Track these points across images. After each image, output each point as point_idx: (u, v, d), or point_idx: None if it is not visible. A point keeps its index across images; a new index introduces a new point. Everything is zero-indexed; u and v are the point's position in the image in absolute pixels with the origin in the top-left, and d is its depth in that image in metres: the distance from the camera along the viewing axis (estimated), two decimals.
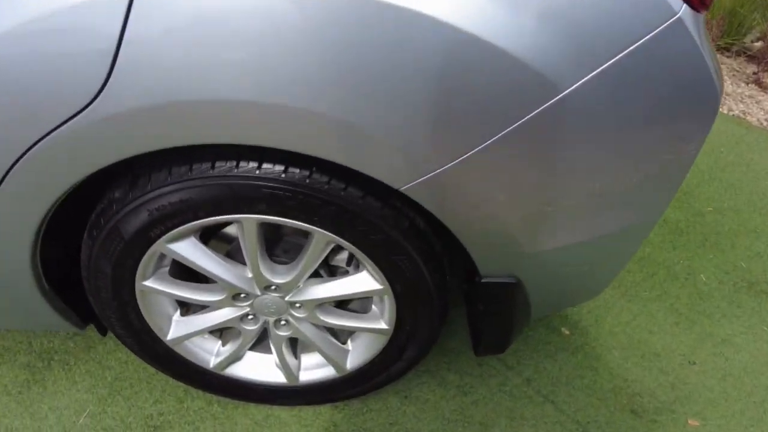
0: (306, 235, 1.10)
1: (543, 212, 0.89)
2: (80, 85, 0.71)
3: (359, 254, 0.96)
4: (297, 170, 0.85)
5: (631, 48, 0.73)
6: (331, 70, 0.70)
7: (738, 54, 3.95)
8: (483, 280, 0.99)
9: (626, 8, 0.72)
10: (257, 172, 0.84)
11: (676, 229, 2.00)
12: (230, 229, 1.13)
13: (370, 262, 0.98)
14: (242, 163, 0.84)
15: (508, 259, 0.96)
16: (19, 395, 1.42)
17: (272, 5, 0.67)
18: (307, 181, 0.85)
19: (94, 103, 0.72)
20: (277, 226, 1.07)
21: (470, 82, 0.71)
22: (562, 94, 0.74)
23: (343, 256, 1.12)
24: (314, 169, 0.85)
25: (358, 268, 1.08)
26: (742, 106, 3.07)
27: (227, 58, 0.69)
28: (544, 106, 0.75)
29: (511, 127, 0.76)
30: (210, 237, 1.11)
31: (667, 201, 0.96)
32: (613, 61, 0.73)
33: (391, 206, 0.91)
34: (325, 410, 1.36)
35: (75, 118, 0.74)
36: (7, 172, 0.80)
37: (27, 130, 0.76)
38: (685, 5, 0.74)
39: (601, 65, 0.73)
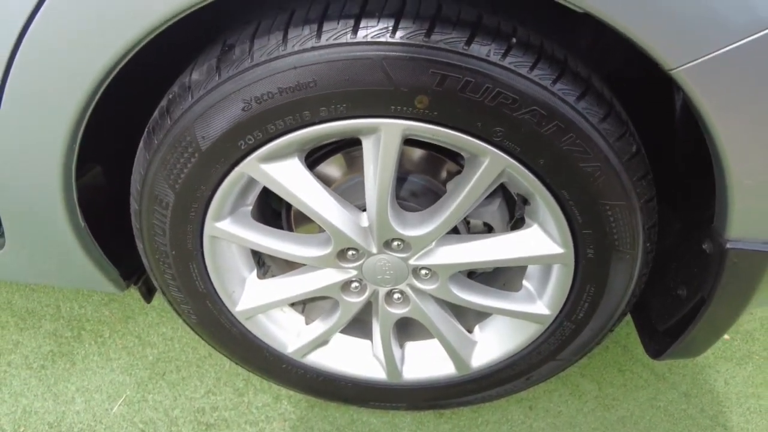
0: (441, 175, 0.77)
1: None
2: None
3: (545, 198, 0.63)
4: (488, 40, 0.52)
5: None
6: None
7: None
8: (730, 246, 0.65)
9: None
10: (426, 39, 0.51)
11: None
12: (331, 167, 0.81)
13: (557, 210, 0.64)
14: (403, 24, 0.51)
15: None
16: (42, 369, 1.14)
17: None
18: (503, 59, 0.52)
19: None
20: (403, 160, 0.75)
21: None
22: None
23: (494, 206, 0.78)
24: (515, 40, 0.52)
25: (517, 225, 0.75)
26: None
27: None
28: None
29: None
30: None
31: None
32: None
33: (617, 116, 0.57)
34: (427, 418, 1.04)
35: None
36: (29, 22, 0.50)
37: None
38: None
39: None
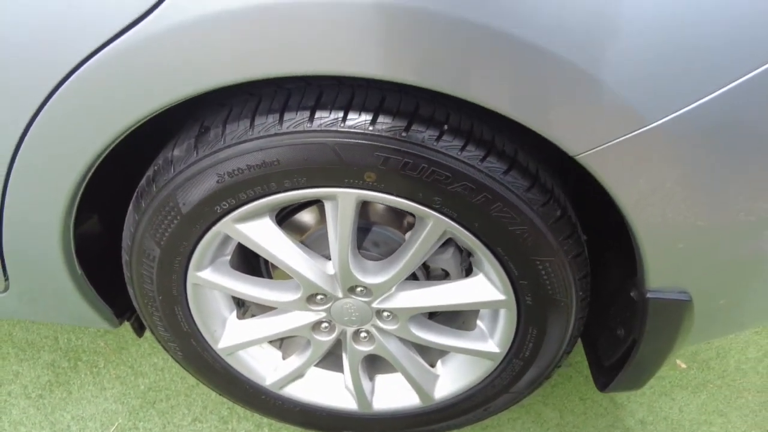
0: (402, 225, 0.86)
1: (753, 206, 0.63)
2: None
3: (484, 252, 0.72)
4: (423, 128, 0.61)
5: None
6: None
7: None
8: (650, 296, 0.73)
9: None
10: (370, 128, 0.61)
11: None
12: (304, 216, 0.90)
13: (496, 264, 0.73)
14: (351, 115, 0.61)
15: (689, 267, 0.70)
16: (40, 399, 1.22)
17: None
18: (437, 143, 0.62)
19: (159, 9, 0.50)
20: (364, 213, 0.84)
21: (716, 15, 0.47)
22: None
23: (448, 254, 0.87)
24: (446, 127, 0.62)
25: (469, 272, 0.84)
26: None
27: None
28: None
29: (747, 77, 0.51)
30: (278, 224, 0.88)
31: None
32: None
33: (542, 186, 0.67)
34: None
35: (131, 30, 0.52)
36: (41, 108, 0.59)
37: (66, 49, 0.55)
38: None
39: None
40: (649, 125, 0.54)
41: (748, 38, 0.50)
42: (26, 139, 0.65)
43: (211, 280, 0.81)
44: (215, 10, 0.51)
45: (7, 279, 0.91)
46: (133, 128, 0.63)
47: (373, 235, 0.87)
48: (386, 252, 0.85)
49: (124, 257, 0.81)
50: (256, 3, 0.50)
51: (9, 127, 0.64)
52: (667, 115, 0.54)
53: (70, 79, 0.58)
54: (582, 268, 0.75)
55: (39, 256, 0.83)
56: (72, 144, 0.64)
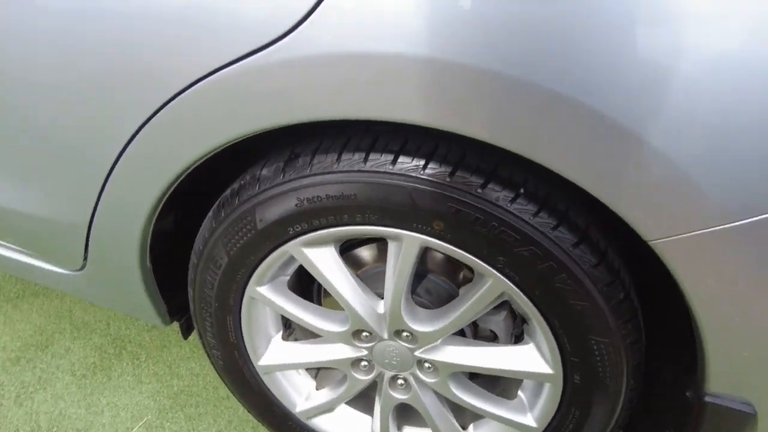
0: (458, 278, 0.87)
1: None
2: (274, 13, 0.55)
3: (540, 322, 0.71)
4: (500, 188, 0.63)
5: None
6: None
7: None
8: (708, 400, 0.69)
9: None
10: (448, 179, 0.63)
11: None
12: (364, 252, 0.92)
13: (550, 335, 0.72)
14: (432, 164, 0.64)
15: (756, 378, 0.66)
16: (83, 378, 1.28)
17: None
18: (510, 204, 0.63)
19: (280, 42, 0.56)
20: (422, 259, 0.86)
21: None
22: None
23: (500, 317, 0.86)
24: (522, 190, 0.63)
25: (520, 339, 0.83)
26: None
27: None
28: None
29: None
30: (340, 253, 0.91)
31: None
32: None
33: (609, 265, 0.66)
34: None
35: (254, 56, 0.58)
36: (155, 113, 0.66)
37: (190, 64, 0.61)
38: None
39: None
40: (734, 223, 0.53)
41: None
42: (135, 139, 0.72)
43: (268, 296, 0.84)
44: (343, 51, 0.56)
45: (86, 259, 0.98)
46: (230, 144, 0.68)
47: (428, 282, 0.88)
48: (437, 302, 0.85)
49: (193, 260, 0.86)
50: (394, 51, 0.54)
51: (124, 125, 0.72)
52: (754, 216, 0.53)
53: (186, 92, 0.65)
54: (637, 355, 0.72)
55: (118, 245, 0.89)
56: (173, 150, 0.71)
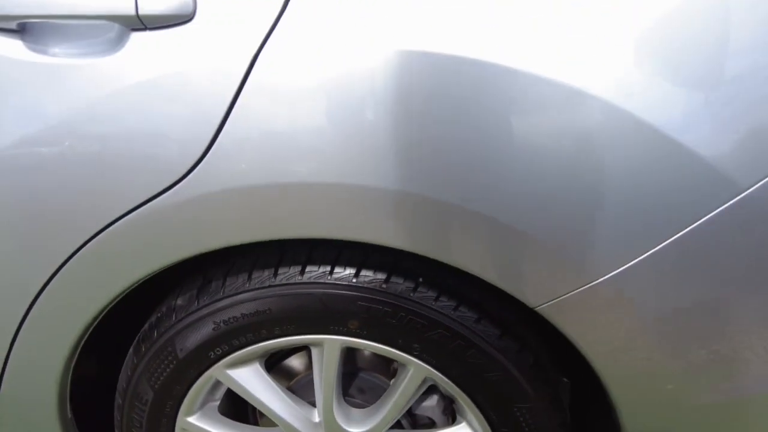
0: (389, 371, 0.90)
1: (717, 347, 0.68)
2: (172, 160, 0.61)
3: (464, 399, 0.75)
4: (401, 280, 0.69)
5: None
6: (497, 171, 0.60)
7: None
8: None
9: None
10: (354, 280, 0.69)
11: None
12: (293, 362, 0.94)
13: (476, 411, 0.75)
14: (338, 269, 0.69)
15: (664, 413, 0.72)
16: None
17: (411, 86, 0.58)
18: (413, 294, 0.69)
19: (184, 181, 0.62)
20: (351, 359, 0.88)
21: (649, 177, 0.58)
22: (743, 194, 0.59)
23: (432, 402, 0.89)
24: (422, 279, 0.70)
25: (453, 420, 0.85)
26: None
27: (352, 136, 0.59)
28: (724, 206, 0.59)
29: (688, 229, 0.60)
30: (269, 369, 0.92)
31: None
32: None
33: (513, 334, 0.72)
34: None
35: (157, 199, 0.63)
36: (74, 254, 0.68)
37: (107, 204, 0.65)
38: None
39: None
40: (594, 281, 0.62)
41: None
42: (45, 290, 0.73)
43: (200, 425, 0.82)
44: (235, 185, 0.62)
45: None
46: (142, 281, 0.71)
47: (360, 381, 0.90)
48: (373, 399, 0.87)
49: (118, 400, 0.84)
50: (274, 181, 0.61)
51: (30, 280, 0.72)
52: (611, 272, 0.62)
53: (93, 241, 0.68)
54: (561, 414, 0.77)
55: (33, 399, 0.85)
56: (86, 294, 0.72)
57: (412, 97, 0.59)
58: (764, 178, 0.59)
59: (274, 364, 0.91)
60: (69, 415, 0.87)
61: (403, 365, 0.75)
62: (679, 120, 0.57)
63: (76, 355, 0.80)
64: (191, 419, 0.82)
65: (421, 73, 0.58)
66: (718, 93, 0.59)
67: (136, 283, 0.71)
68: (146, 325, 0.78)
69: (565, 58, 0.57)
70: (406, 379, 0.75)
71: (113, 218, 0.66)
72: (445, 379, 0.73)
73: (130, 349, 0.81)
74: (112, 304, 0.74)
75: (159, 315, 0.77)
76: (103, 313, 0.75)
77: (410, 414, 0.91)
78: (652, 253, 0.61)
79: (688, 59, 0.58)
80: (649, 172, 0.59)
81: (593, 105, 0.57)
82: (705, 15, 0.58)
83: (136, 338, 0.80)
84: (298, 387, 0.90)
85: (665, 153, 0.58)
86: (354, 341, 0.72)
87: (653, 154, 0.58)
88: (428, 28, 0.58)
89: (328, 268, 0.69)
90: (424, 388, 0.78)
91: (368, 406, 0.84)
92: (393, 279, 0.69)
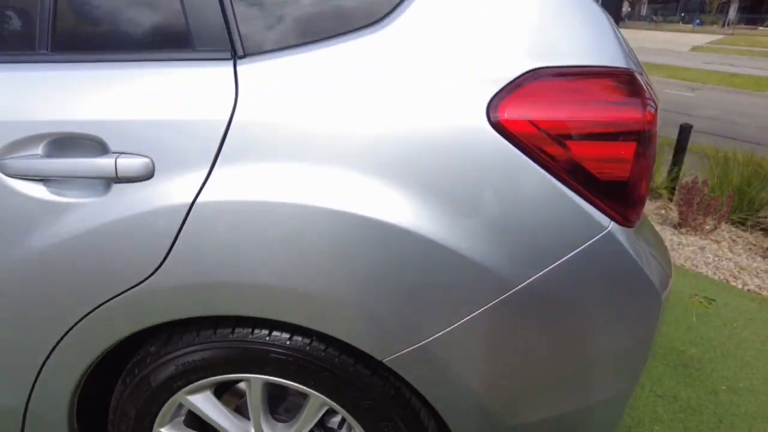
0: (305, 395, 1.23)
1: (508, 386, 1.00)
2: (140, 263, 0.94)
3: (350, 418, 1.07)
4: (300, 338, 1.02)
5: (572, 254, 0.91)
6: (337, 270, 0.92)
7: (754, 227, 4.08)
8: None
9: (567, 223, 0.91)
10: (267, 338, 1.01)
11: (688, 407, 1.98)
12: (241, 385, 1.27)
13: (359, 426, 1.08)
14: (256, 331, 1.02)
15: None
16: None
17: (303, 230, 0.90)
18: (308, 348, 1.01)
19: (151, 278, 0.94)
20: (280, 386, 1.21)
21: (440, 280, 0.91)
22: (517, 287, 0.91)
23: (337, 418, 1.22)
24: (314, 338, 1.02)
25: (350, 431, 1.18)
26: (757, 280, 3.13)
27: (266, 254, 0.91)
28: (503, 296, 0.91)
29: (472, 314, 0.92)
30: (224, 391, 1.25)
31: (634, 376, 1.05)
32: (552, 267, 0.91)
33: (380, 375, 1.04)
34: None
35: (134, 289, 0.95)
36: (78, 322, 1.01)
37: (100, 291, 0.98)
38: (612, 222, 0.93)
39: (549, 266, 0.91)
40: (420, 342, 0.94)
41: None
42: (60, 343, 1.05)
43: None
44: (184, 283, 0.95)
45: None
46: (126, 337, 1.04)
47: (287, 402, 1.23)
48: (293, 416, 1.20)
49: (110, 416, 1.17)
50: (210, 281, 0.94)
51: (49, 337, 1.05)
52: (433, 335, 0.94)
53: (94, 311, 1.00)
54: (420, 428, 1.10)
55: (45, 410, 1.18)
56: (87, 347, 1.05)
57: None
58: (529, 278, 0.91)
59: (228, 387, 1.24)
60: (75, 425, 1.21)
61: (306, 395, 1.08)
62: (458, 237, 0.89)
63: (82, 383, 1.13)
64: (163, 429, 1.15)
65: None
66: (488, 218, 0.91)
67: (122, 339, 1.04)
68: (130, 365, 1.12)
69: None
70: (309, 404, 1.08)
71: (107, 298, 0.98)
72: (336, 405, 1.06)
73: (119, 381, 1.14)
74: (109, 349, 1.07)
75: (139, 357, 1.10)
76: (102, 355, 1.08)
77: (325, 427, 1.25)
78: (459, 324, 0.93)
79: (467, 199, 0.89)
80: (444, 272, 0.91)
81: (398, 231, 0.89)
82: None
83: (123, 373, 1.13)
84: (243, 405, 1.23)
85: (451, 259, 0.89)
86: (270, 379, 1.05)
87: (444, 260, 0.90)
88: None
89: (250, 330, 1.02)
90: (323, 410, 1.10)
91: (289, 422, 1.17)
92: (294, 337, 1.02)
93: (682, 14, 43.57)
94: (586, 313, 0.95)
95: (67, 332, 1.02)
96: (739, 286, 3.02)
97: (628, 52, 0.97)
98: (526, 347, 0.96)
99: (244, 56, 0.93)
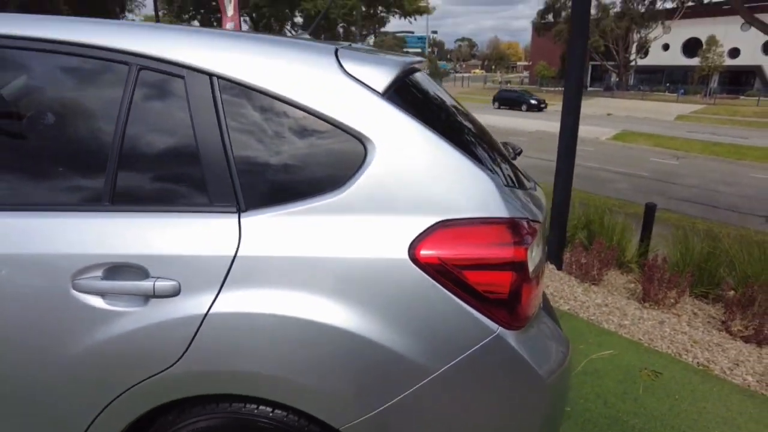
0: None
1: None
2: (167, 355, 1.33)
3: None
4: (279, 411, 1.38)
5: (469, 351, 1.29)
6: (304, 367, 1.31)
7: (716, 301, 4.40)
8: None
9: (466, 327, 1.30)
10: (255, 411, 1.38)
11: None
12: None
13: None
14: (248, 405, 1.39)
15: None
16: None
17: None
18: (285, 419, 1.38)
19: (174, 366, 1.33)
20: None
21: (363, 369, 1.29)
22: (430, 377, 1.29)
23: None
24: (290, 412, 1.38)
25: None
26: (707, 354, 3.44)
27: (255, 351, 1.30)
28: (424, 381, 1.29)
29: (405, 393, 1.29)
30: None
31: None
32: (457, 360, 1.29)
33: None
34: None
35: (162, 373, 1.33)
36: (116, 398, 1.38)
37: (135, 375, 1.36)
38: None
39: (452, 361, 1.29)
40: (371, 412, 1.31)
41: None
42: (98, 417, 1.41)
43: None
44: (195, 370, 1.33)
45: None
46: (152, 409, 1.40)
47: None
48: None
49: None
50: (213, 369, 1.33)
51: (89, 411, 1.41)
52: (377, 409, 1.30)
53: (129, 390, 1.37)
54: None
55: None
56: (124, 416, 1.41)
57: None
58: (443, 367, 1.29)
59: None
60: None
61: None
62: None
63: None
64: None
65: None
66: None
67: (148, 411, 1.40)
68: (151, 429, 1.47)
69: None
70: None
71: (138, 381, 1.36)
72: None
73: None
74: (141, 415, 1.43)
75: (158, 425, 1.45)
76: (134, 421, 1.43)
77: None
78: (394, 401, 1.30)
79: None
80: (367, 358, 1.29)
81: (347, 334, 1.28)
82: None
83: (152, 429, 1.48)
84: None
85: (386, 354, 1.28)
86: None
87: (380, 354, 1.28)
88: None
89: (243, 404, 1.39)
90: None
91: None
92: (276, 411, 1.38)
93: (667, 84, 45.70)
94: (483, 398, 1.33)
95: (110, 404, 1.39)
96: (689, 360, 3.33)
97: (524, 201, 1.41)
98: (444, 427, 1.33)
99: (246, 210, 1.35)
